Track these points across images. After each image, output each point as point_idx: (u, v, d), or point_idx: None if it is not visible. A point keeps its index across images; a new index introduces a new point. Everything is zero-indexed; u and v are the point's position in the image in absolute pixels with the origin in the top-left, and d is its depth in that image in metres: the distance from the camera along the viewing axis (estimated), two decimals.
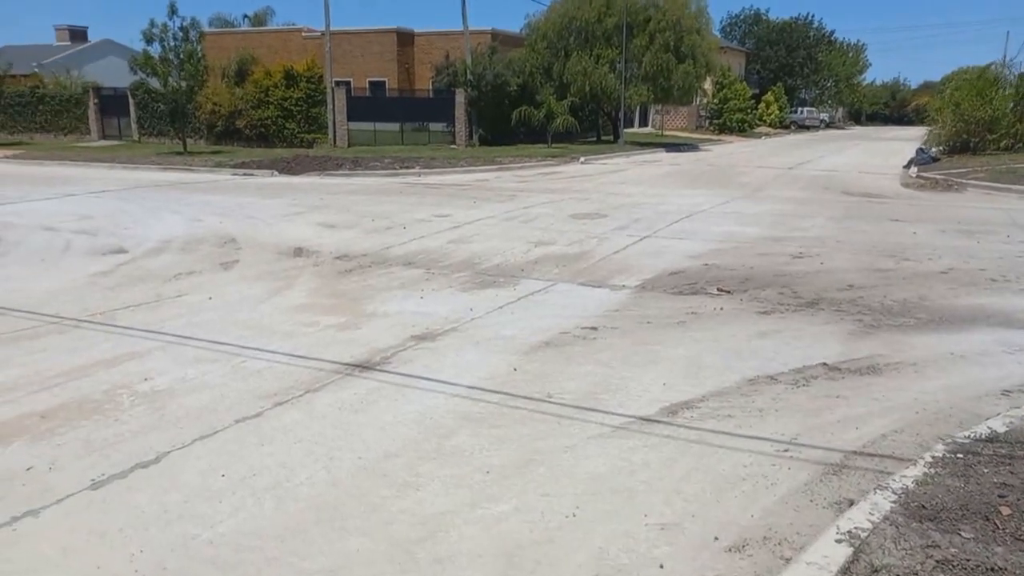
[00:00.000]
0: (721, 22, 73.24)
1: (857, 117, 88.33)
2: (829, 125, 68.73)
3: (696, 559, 2.97)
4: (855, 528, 2.86)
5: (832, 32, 74.87)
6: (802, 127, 61.79)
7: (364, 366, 5.15)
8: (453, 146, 27.57)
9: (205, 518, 3.22)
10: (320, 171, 19.82)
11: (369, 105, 30.00)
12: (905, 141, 40.92)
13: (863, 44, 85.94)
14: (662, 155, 28.44)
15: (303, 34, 37.29)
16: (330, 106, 27.30)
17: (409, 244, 9.79)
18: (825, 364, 5.22)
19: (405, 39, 35.70)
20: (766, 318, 6.43)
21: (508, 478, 3.62)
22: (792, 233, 10.57)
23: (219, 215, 12.39)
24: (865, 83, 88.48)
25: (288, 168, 20.23)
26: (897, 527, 2.87)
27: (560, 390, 4.74)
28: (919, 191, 16.09)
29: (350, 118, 27.69)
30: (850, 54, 79.48)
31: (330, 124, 27.42)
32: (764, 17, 72.23)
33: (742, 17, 73.12)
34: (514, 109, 27.79)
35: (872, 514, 2.93)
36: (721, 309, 6.70)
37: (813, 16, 76.01)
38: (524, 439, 4.04)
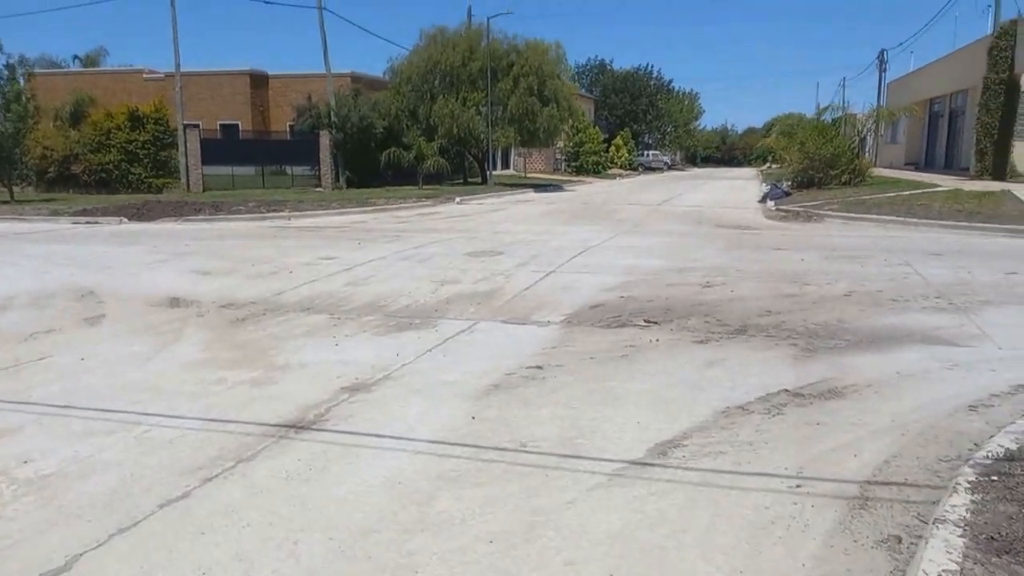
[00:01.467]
0: (571, 71, 76.54)
1: (693, 160, 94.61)
2: (671, 167, 72.99)
3: None
4: (942, 572, 2.56)
5: (671, 81, 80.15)
6: (649, 169, 65.27)
7: (298, 426, 4.42)
8: (319, 189, 26.50)
9: None
10: (177, 216, 18.31)
11: (225, 148, 28.39)
12: (745, 180, 44.02)
13: (697, 93, 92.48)
14: (533, 195, 28.72)
15: (144, 75, 34.98)
16: (182, 149, 25.55)
17: (301, 289, 8.97)
18: (787, 391, 5.05)
19: (259, 81, 34.34)
20: (704, 347, 6.25)
21: (517, 547, 3.07)
22: (691, 264, 10.67)
23: (68, 266, 10.97)
24: (699, 129, 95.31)
25: (139, 215, 18.56)
26: (983, 565, 2.60)
27: (532, 437, 4.25)
28: (783, 222, 17.01)
29: (204, 162, 26.02)
30: (686, 102, 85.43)
31: (183, 168, 25.62)
32: (609, 67, 76.29)
33: (589, 66, 76.90)
34: (381, 151, 27.25)
35: (950, 552, 2.65)
36: (657, 341, 6.47)
37: (652, 66, 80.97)
38: (516, 498, 3.50)
